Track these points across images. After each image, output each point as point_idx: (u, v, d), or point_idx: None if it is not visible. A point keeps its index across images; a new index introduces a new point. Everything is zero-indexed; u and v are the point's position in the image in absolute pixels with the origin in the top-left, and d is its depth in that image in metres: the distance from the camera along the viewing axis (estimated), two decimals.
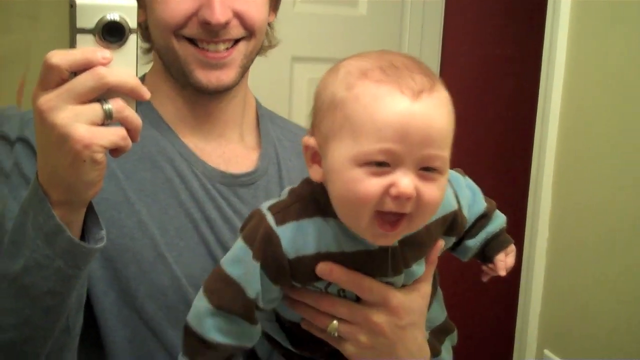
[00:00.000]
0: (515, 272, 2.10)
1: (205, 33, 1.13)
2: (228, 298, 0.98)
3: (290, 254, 0.96)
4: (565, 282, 1.94)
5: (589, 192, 1.84)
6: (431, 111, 0.89)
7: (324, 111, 0.94)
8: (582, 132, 1.88)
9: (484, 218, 1.12)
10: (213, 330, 0.99)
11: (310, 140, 0.96)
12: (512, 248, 1.15)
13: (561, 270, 1.95)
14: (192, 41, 1.15)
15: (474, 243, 1.13)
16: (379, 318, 1.01)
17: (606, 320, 1.77)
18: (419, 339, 1.06)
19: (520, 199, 2.17)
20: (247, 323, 1.00)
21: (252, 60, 1.22)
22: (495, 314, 2.87)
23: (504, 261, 1.13)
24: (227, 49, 1.16)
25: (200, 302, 1.00)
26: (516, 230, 2.20)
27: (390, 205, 0.89)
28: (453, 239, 1.09)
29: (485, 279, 1.17)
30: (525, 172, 2.11)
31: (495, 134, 2.97)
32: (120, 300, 1.09)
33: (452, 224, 1.06)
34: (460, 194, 1.09)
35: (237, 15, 1.15)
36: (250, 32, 1.17)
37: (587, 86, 1.86)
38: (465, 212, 1.09)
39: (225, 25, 1.13)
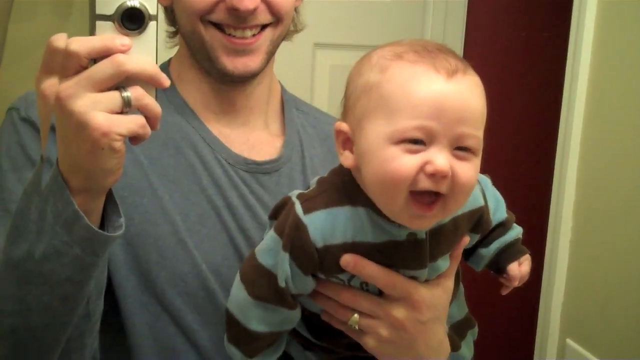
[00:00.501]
0: (538, 261, 2.10)
1: (233, 19, 1.13)
2: (264, 288, 0.99)
3: (318, 242, 0.96)
4: (587, 272, 1.93)
5: (614, 182, 1.82)
6: (466, 90, 0.90)
7: (358, 95, 0.95)
8: (609, 120, 1.86)
9: (501, 227, 1.12)
10: (255, 321, 1.01)
11: (343, 125, 0.97)
12: (526, 257, 1.13)
13: (584, 259, 1.94)
14: (218, 27, 1.14)
15: (487, 252, 1.12)
16: (400, 313, 1.01)
17: (628, 310, 1.76)
18: (440, 334, 1.05)
19: (545, 187, 2.16)
20: (286, 309, 1.01)
21: (277, 46, 1.21)
22: (517, 304, 2.85)
23: (518, 270, 1.11)
24: (254, 35, 1.15)
25: (240, 292, 1.01)
26: (540, 219, 2.20)
27: (425, 184, 0.89)
28: (477, 237, 1.09)
29: (504, 292, 1.15)
30: (549, 161, 2.09)
31: (519, 120, 2.94)
32: (141, 286, 1.10)
33: (478, 220, 1.06)
34: (488, 194, 1.09)
35: (265, 1, 1.14)
36: (277, 18, 1.17)
37: (614, 71, 1.83)
38: (491, 213, 1.09)
39: (253, 11, 1.12)
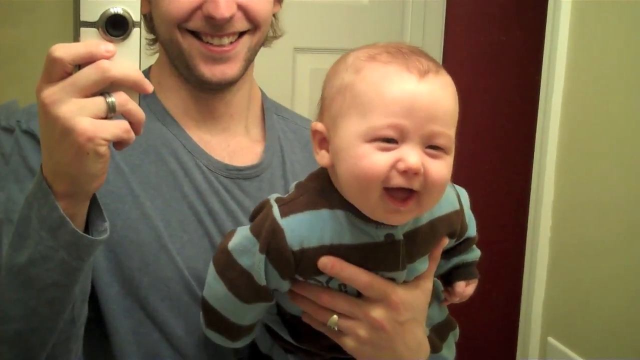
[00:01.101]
0: (519, 260, 2.12)
1: (209, 27, 1.13)
2: (243, 288, 1.00)
3: (295, 246, 0.97)
4: (568, 270, 1.95)
5: (593, 180, 1.84)
6: (437, 90, 0.93)
7: (333, 95, 0.97)
8: (585, 120, 1.88)
9: (466, 243, 1.14)
10: (234, 315, 1.03)
11: (318, 125, 0.99)
12: (475, 281, 1.16)
13: (564, 258, 1.96)
14: (196, 35, 1.15)
15: (445, 264, 1.14)
16: (379, 314, 1.01)
17: (609, 307, 1.78)
18: (419, 334, 1.06)
19: (523, 186, 2.18)
20: (265, 303, 1.03)
21: (256, 53, 1.22)
22: (499, 304, 2.87)
23: (463, 290, 1.14)
24: (232, 42, 1.15)
25: (218, 286, 1.02)
26: (519, 219, 2.22)
27: (398, 180, 0.91)
28: (453, 241, 1.10)
29: (443, 304, 1.18)
30: (527, 160, 2.11)
31: (498, 120, 2.97)
32: (124, 291, 1.10)
33: (455, 224, 1.07)
34: (464, 202, 1.10)
35: (242, 9, 1.14)
36: (254, 25, 1.17)
37: (589, 73, 1.86)
38: (467, 221, 1.11)
39: (230, 19, 1.12)
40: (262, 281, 0.99)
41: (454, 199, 1.08)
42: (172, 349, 1.12)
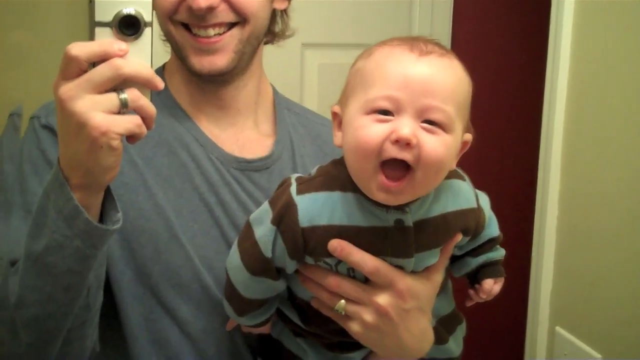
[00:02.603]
0: (526, 251, 2.12)
1: (194, 18, 1.15)
2: (252, 259, 1.03)
3: (304, 222, 0.99)
4: (575, 260, 1.94)
5: (598, 169, 1.84)
6: (435, 67, 0.96)
7: (349, 80, 1.02)
8: (589, 110, 1.88)
9: (491, 242, 1.15)
10: (242, 286, 1.06)
11: (335, 107, 1.03)
12: (501, 280, 1.17)
13: (571, 248, 1.95)
14: (187, 27, 1.17)
15: (474, 262, 1.16)
16: (384, 300, 1.03)
17: (616, 296, 1.78)
18: (423, 323, 1.08)
19: (530, 177, 2.18)
20: (270, 280, 1.05)
21: (252, 47, 1.22)
22: (507, 295, 2.88)
23: (491, 287, 1.15)
24: (220, 34, 1.17)
25: (235, 254, 1.06)
26: (526, 209, 2.22)
27: (391, 152, 0.93)
28: (467, 239, 1.11)
29: (469, 304, 1.20)
30: (534, 151, 2.11)
31: (505, 112, 2.99)
32: (136, 279, 1.13)
33: (470, 222, 1.08)
34: (483, 204, 1.12)
35: (226, 0, 1.16)
36: (242, 17, 1.18)
37: (593, 66, 1.86)
38: (485, 222, 1.12)
39: (210, 10, 1.14)
40: (268, 253, 1.01)
41: (472, 198, 1.09)
42: (182, 335, 1.15)
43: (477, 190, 1.12)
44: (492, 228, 1.15)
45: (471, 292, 1.18)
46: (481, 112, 2.84)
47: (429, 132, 0.94)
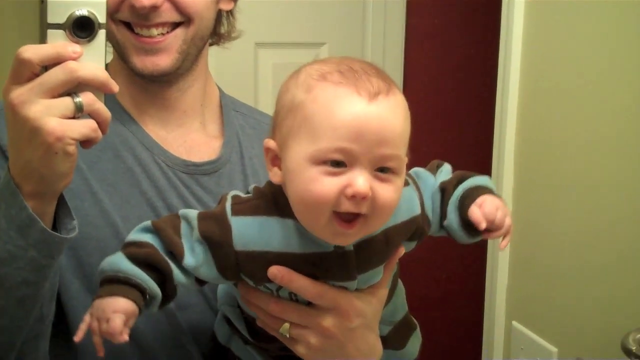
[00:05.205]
0: (482, 246, 2.14)
1: (136, 17, 1.12)
2: (168, 235, 0.98)
3: (238, 245, 0.96)
4: (531, 255, 1.96)
5: (551, 165, 1.87)
6: (387, 112, 0.91)
7: (285, 113, 0.95)
8: (540, 122, 1.91)
9: (443, 193, 1.09)
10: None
11: (270, 143, 0.97)
12: (482, 199, 1.05)
13: (527, 243, 1.97)
14: (129, 26, 1.14)
15: (451, 221, 1.07)
16: (329, 322, 1.01)
17: (570, 290, 1.80)
18: (371, 339, 1.07)
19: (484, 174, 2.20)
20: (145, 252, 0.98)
21: (197, 47, 1.20)
22: (464, 289, 2.92)
23: (480, 213, 1.03)
24: (163, 34, 1.14)
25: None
26: None
27: (346, 206, 0.90)
28: (414, 244, 1.08)
29: (502, 246, 1.08)
30: (488, 148, 2.14)
31: (457, 114, 3.02)
32: (84, 288, 1.10)
33: (415, 230, 1.05)
34: (426, 195, 1.08)
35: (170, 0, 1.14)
36: (186, 17, 1.15)
37: (543, 76, 1.89)
38: (429, 214, 1.08)
39: (154, 9, 1.11)
40: (191, 259, 0.97)
41: (414, 204, 1.05)
42: (133, 345, 1.11)
43: (440, 167, 1.08)
44: (476, 179, 1.09)
45: (485, 235, 1.07)
46: (434, 110, 2.87)
47: (382, 181, 0.91)
